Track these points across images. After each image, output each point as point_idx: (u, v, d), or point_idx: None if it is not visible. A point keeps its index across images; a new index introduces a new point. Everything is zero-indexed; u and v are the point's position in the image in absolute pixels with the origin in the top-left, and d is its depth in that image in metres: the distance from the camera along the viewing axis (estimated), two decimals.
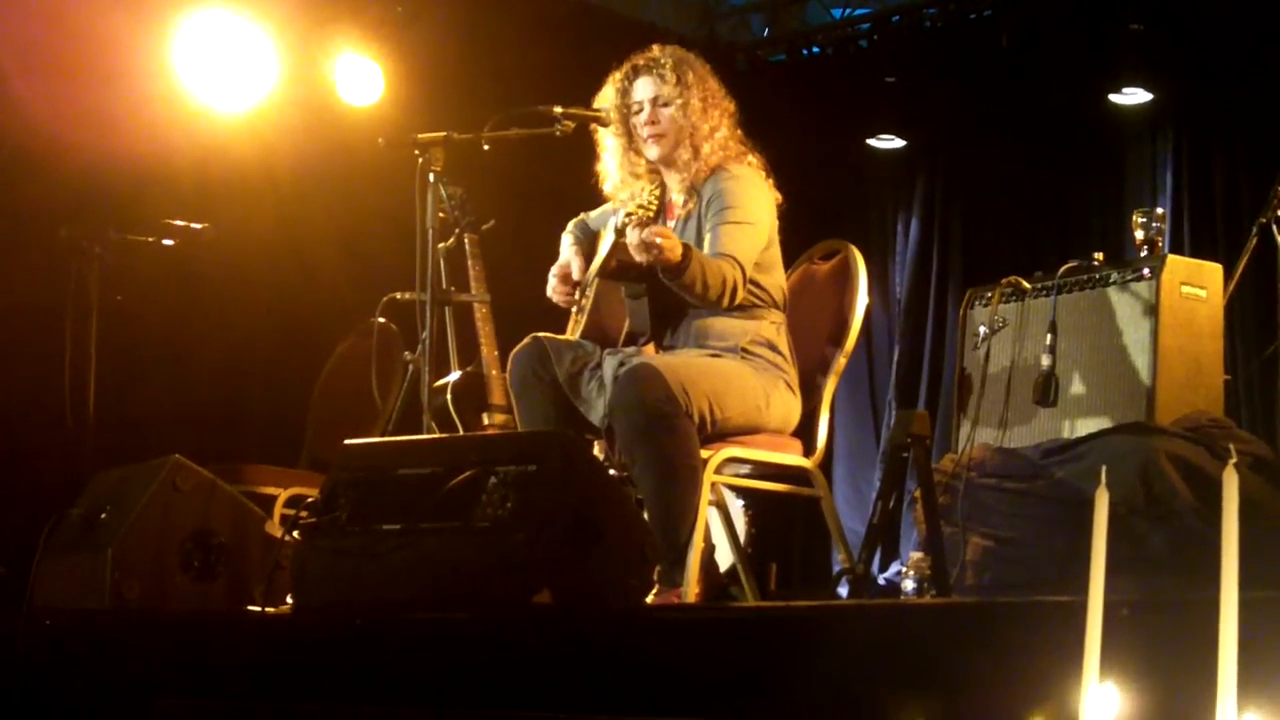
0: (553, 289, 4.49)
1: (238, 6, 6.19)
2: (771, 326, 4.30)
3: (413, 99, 6.57)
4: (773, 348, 4.28)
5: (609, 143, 4.45)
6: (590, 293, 4.36)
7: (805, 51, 8.39)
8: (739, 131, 4.42)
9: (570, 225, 4.62)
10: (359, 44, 6.55)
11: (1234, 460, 1.62)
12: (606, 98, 4.40)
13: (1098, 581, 1.71)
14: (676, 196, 4.39)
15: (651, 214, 4.06)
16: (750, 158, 4.39)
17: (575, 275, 4.43)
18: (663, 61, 4.36)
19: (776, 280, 4.34)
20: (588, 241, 4.52)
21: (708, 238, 4.23)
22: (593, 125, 4.40)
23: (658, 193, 4.21)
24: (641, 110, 4.35)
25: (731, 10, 8.80)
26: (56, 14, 5.78)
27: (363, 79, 6.50)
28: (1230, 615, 1.56)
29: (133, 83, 6.03)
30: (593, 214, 4.60)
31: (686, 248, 4.05)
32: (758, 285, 4.28)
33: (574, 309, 4.49)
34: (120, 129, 5.84)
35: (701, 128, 4.32)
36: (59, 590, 4.05)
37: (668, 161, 4.37)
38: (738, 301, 4.19)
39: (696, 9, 8.65)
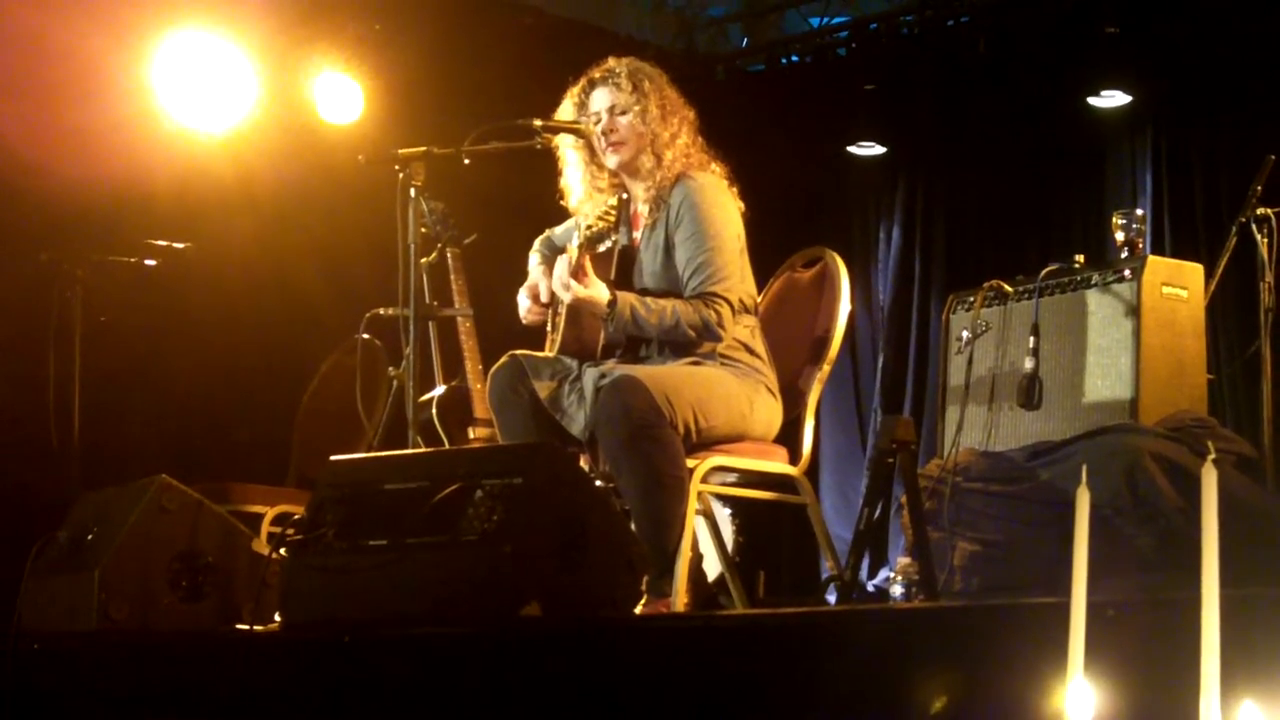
0: (525, 311, 4.49)
1: (216, 27, 6.19)
2: (745, 330, 4.30)
3: (392, 116, 6.57)
4: (749, 350, 4.29)
5: (570, 157, 4.46)
6: (562, 309, 4.36)
7: (784, 60, 8.41)
8: (700, 140, 4.42)
9: (536, 244, 4.63)
10: (338, 62, 6.55)
11: (1212, 456, 1.63)
12: (565, 113, 4.41)
13: (1080, 582, 1.72)
14: (642, 206, 4.40)
15: (610, 224, 4.08)
16: (714, 166, 4.40)
17: (544, 296, 4.44)
18: (618, 71, 4.37)
19: (747, 287, 4.35)
20: (554, 258, 4.52)
21: (686, 269, 4.24)
22: (554, 141, 4.41)
23: (614, 202, 4.22)
24: (600, 121, 4.36)
25: (709, 21, 8.81)
26: (34, 35, 5.77)
27: (342, 97, 6.51)
28: (1211, 612, 1.57)
29: (112, 104, 6.02)
30: (558, 230, 4.61)
31: (615, 295, 4.14)
32: None
33: (548, 326, 4.49)
34: (100, 151, 5.83)
35: (662, 134, 4.33)
36: (47, 612, 4.04)
37: (630, 170, 4.38)
38: (724, 336, 4.21)
39: (674, 20, 8.67)
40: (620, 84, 4.34)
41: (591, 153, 4.40)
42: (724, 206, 4.31)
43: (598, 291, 4.16)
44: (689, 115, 4.42)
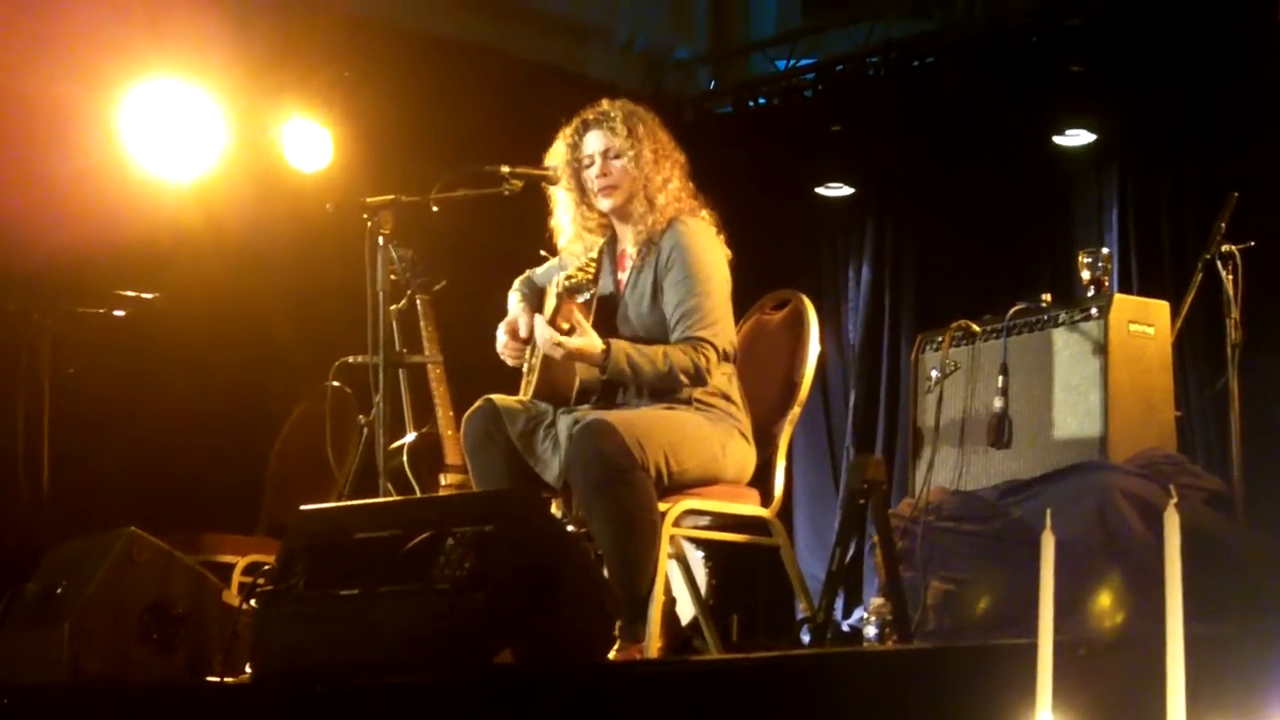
0: (503, 346, 4.47)
1: (185, 75, 6.18)
2: (723, 377, 4.30)
3: (362, 162, 6.57)
4: (726, 398, 4.29)
5: (561, 198, 4.45)
6: (539, 351, 4.36)
7: (751, 103, 8.44)
8: (690, 185, 4.43)
9: (517, 283, 4.62)
10: (307, 109, 6.55)
11: (1174, 501, 1.64)
12: (557, 154, 4.41)
13: (1047, 623, 1.73)
14: (630, 249, 4.40)
15: (590, 276, 4.07)
16: (704, 212, 4.41)
17: (523, 332, 4.42)
18: (613, 115, 4.37)
19: (730, 335, 4.33)
20: (535, 297, 4.52)
21: (674, 313, 4.24)
22: (544, 183, 4.41)
23: (595, 255, 4.22)
24: (593, 164, 4.35)
25: (677, 63, 8.85)
26: (1, 84, 5.76)
27: (311, 144, 6.50)
28: (1176, 653, 1.57)
29: (80, 153, 6.01)
30: (538, 271, 4.61)
31: (609, 344, 4.12)
32: None
33: (524, 367, 4.48)
34: (68, 200, 5.82)
35: (654, 179, 4.33)
36: (17, 666, 4.02)
37: (621, 214, 4.38)
38: (709, 382, 4.21)
39: (642, 63, 8.70)
40: (615, 128, 4.33)
41: (582, 193, 4.40)
42: (714, 252, 4.32)
43: (591, 341, 4.15)
44: (680, 159, 4.42)
